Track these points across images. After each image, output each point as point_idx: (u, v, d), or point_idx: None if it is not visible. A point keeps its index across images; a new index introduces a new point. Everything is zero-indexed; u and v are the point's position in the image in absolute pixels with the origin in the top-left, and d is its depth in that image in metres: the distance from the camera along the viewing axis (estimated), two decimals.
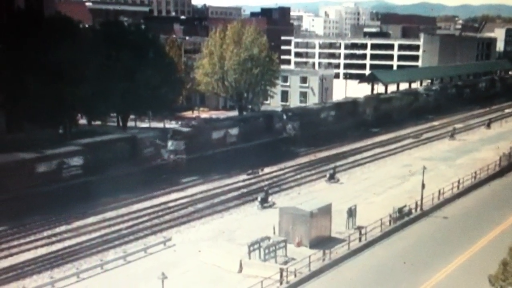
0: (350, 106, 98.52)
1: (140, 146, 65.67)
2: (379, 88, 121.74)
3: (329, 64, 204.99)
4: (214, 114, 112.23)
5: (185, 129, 72.29)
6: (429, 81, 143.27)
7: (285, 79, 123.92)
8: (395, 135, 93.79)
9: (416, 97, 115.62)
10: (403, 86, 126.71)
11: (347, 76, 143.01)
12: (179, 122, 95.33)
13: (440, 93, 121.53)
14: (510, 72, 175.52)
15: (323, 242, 45.99)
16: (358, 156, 79.54)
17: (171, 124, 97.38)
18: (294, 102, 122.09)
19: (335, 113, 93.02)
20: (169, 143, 68.48)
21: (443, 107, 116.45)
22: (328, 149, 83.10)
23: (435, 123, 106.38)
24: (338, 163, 73.59)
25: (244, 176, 68.24)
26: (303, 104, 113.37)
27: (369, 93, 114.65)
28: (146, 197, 59.46)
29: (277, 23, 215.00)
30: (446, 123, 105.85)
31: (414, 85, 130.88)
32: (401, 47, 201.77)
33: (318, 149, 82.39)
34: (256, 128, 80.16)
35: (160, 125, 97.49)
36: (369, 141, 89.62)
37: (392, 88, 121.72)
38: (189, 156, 68.79)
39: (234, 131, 76.28)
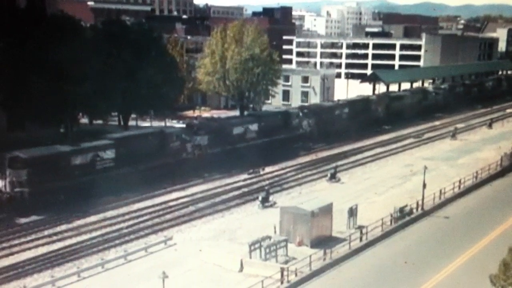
0: (362, 104, 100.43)
1: (167, 141, 68.00)
2: (381, 88, 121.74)
3: (331, 63, 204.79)
4: (215, 113, 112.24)
5: (208, 125, 75.31)
6: (431, 80, 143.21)
7: (286, 79, 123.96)
8: (397, 135, 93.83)
9: (426, 95, 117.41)
10: (405, 85, 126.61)
11: (349, 76, 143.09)
12: (181, 121, 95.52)
13: (448, 91, 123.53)
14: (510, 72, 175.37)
15: (324, 241, 46.03)
16: (359, 156, 79.57)
17: (172, 123, 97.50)
18: (295, 101, 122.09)
19: (348, 111, 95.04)
20: (194, 138, 70.71)
21: (451, 105, 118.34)
22: (330, 149, 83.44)
23: (441, 121, 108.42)
24: (339, 163, 73.67)
25: (245, 176, 68.29)
26: (305, 104, 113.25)
27: (370, 92, 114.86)
28: (147, 196, 59.60)
29: (279, 22, 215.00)
30: (454, 121, 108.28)
31: (415, 85, 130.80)
32: (403, 47, 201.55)
33: (333, 146, 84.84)
34: (274, 125, 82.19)
35: (161, 124, 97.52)
36: (374, 140, 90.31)
37: (393, 87, 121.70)
38: (212, 150, 71.33)
39: (253, 127, 78.78)
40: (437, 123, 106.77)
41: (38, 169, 54.61)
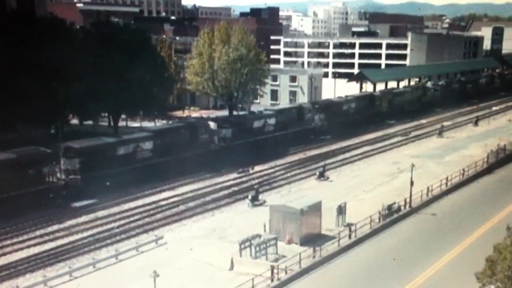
0: (368, 99, 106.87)
1: (197, 133, 73.31)
2: (368, 87, 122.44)
3: (318, 63, 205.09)
4: (204, 113, 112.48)
5: (232, 119, 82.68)
6: (417, 79, 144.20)
7: (274, 78, 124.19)
8: (384, 133, 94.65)
9: (425, 91, 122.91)
10: (391, 84, 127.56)
11: (336, 75, 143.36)
12: (170, 121, 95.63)
13: (446, 88, 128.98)
14: (497, 70, 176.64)
15: (313, 239, 46.47)
16: (347, 154, 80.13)
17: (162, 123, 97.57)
18: (283, 101, 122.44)
19: (355, 106, 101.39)
20: (220, 130, 76.27)
21: (448, 100, 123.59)
22: (319, 147, 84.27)
23: (440, 116, 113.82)
24: (327, 161, 74.21)
25: (235, 175, 68.71)
26: (294, 103, 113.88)
27: (357, 91, 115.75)
28: (137, 196, 59.95)
29: (267, 23, 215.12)
30: (452, 115, 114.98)
31: (402, 84, 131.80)
32: (389, 46, 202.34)
33: (343, 138, 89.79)
34: (289, 119, 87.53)
35: (151, 124, 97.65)
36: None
37: (380, 86, 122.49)
38: (235, 142, 76.90)
39: (271, 121, 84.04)
40: (436, 117, 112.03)
41: (89, 158, 59.88)
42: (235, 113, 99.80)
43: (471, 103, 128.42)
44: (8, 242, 47.82)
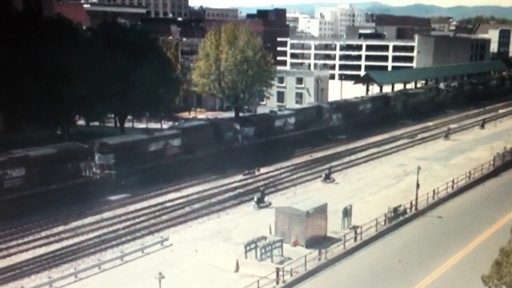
0: (383, 100, 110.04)
1: (222, 131, 76.05)
2: (374, 89, 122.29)
3: (325, 65, 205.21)
4: (210, 115, 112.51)
5: (254, 118, 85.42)
6: (424, 81, 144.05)
7: (281, 80, 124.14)
8: (390, 136, 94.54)
9: (438, 92, 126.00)
10: (398, 86, 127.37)
11: (343, 77, 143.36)
12: (176, 123, 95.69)
13: (458, 89, 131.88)
14: (504, 72, 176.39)
15: (319, 241, 46.40)
16: (353, 157, 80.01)
17: (169, 125, 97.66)
18: (290, 102, 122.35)
19: (371, 106, 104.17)
20: (242, 129, 79.00)
21: (460, 101, 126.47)
22: (325, 149, 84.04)
23: (453, 117, 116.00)
24: (333, 163, 74.13)
25: (241, 177, 68.70)
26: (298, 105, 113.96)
27: (363, 93, 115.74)
28: (143, 197, 59.95)
29: (273, 24, 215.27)
30: (465, 116, 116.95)
31: (408, 86, 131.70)
32: (395, 48, 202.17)
33: (358, 138, 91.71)
34: (308, 118, 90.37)
35: (157, 125, 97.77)
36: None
37: (387, 89, 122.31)
38: (257, 140, 79.63)
39: (291, 120, 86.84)
40: (449, 118, 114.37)
41: (122, 154, 62.45)
42: (241, 114, 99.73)
43: (481, 104, 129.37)
44: (14, 243, 47.87)
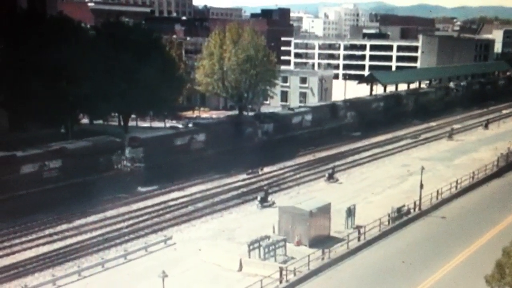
0: (395, 98, 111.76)
1: (243, 127, 78.50)
2: (378, 89, 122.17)
3: (329, 65, 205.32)
4: (214, 114, 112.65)
5: (273, 114, 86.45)
6: (428, 82, 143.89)
7: (285, 80, 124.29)
8: (393, 136, 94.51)
9: (448, 91, 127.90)
10: (402, 86, 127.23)
11: (346, 77, 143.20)
12: (180, 122, 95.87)
13: (467, 88, 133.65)
14: (508, 73, 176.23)
15: (322, 241, 46.38)
16: (356, 156, 79.95)
17: (172, 124, 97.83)
18: (293, 102, 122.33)
19: (383, 104, 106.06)
20: (262, 125, 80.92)
21: (469, 100, 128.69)
22: (328, 149, 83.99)
23: (464, 115, 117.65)
24: (337, 163, 74.08)
25: (244, 176, 68.74)
26: (302, 104, 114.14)
27: (367, 93, 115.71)
28: (146, 196, 60.00)
29: (277, 24, 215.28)
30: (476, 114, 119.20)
31: (412, 86, 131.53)
32: (399, 48, 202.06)
33: (372, 134, 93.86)
34: (324, 116, 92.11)
35: (161, 124, 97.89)
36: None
37: (390, 88, 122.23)
38: (276, 136, 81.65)
39: (308, 117, 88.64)
40: (459, 116, 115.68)
41: (151, 147, 64.97)
42: (244, 113, 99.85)
43: (485, 105, 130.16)
44: (17, 241, 47.96)
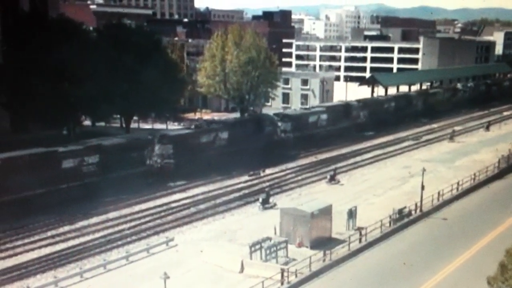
0: (405, 98, 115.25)
1: (263, 125, 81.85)
2: (379, 91, 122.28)
3: (330, 66, 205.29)
4: (216, 115, 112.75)
5: (291, 114, 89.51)
6: (429, 83, 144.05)
7: (286, 82, 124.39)
8: (394, 137, 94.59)
9: (455, 92, 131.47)
10: (403, 88, 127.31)
11: (348, 79, 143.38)
12: (182, 123, 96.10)
13: (473, 89, 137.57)
14: (508, 75, 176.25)
15: (323, 242, 46.44)
16: (358, 158, 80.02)
17: (174, 126, 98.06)
18: (295, 104, 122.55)
19: (394, 104, 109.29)
20: (280, 124, 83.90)
21: (476, 101, 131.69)
22: (329, 151, 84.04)
23: (470, 115, 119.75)
24: (338, 165, 74.16)
25: (246, 177, 68.84)
26: (304, 106, 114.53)
27: (369, 95, 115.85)
28: (148, 197, 60.10)
29: (279, 26, 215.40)
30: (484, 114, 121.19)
31: (413, 88, 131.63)
32: (401, 50, 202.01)
33: (384, 133, 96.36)
34: (339, 115, 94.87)
35: (163, 126, 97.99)
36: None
37: (392, 90, 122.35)
38: (294, 134, 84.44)
39: (324, 116, 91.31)
40: (467, 116, 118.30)
41: (179, 145, 68.12)
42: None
43: (487, 106, 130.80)
44: (20, 242, 48.05)
